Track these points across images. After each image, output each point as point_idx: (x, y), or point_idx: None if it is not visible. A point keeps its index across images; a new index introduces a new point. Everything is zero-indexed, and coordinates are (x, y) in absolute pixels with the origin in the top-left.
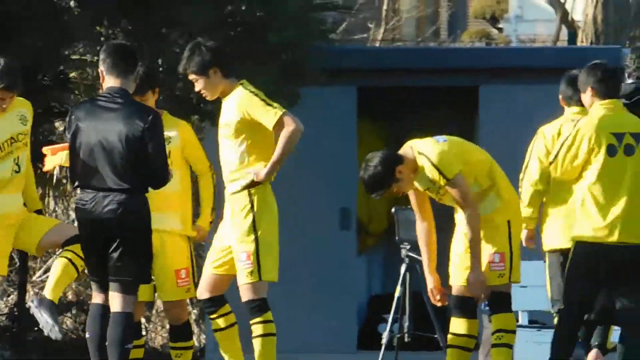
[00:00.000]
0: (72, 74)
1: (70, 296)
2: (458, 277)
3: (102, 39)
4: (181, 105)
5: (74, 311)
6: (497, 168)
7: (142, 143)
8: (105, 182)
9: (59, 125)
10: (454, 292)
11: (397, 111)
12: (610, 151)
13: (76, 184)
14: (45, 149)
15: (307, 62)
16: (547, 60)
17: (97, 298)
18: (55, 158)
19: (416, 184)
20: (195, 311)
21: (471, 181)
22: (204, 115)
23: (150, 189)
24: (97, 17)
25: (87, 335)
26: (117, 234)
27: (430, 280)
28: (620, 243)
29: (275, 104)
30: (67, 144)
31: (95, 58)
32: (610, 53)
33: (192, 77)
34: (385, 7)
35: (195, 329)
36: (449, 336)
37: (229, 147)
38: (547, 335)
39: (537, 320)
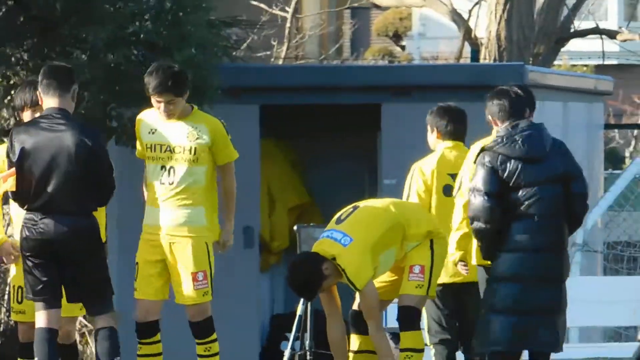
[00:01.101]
0: None
1: None
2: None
3: (10, 58)
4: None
5: None
6: (404, 218)
7: (91, 162)
8: (56, 204)
9: None
10: (354, 307)
11: (300, 129)
12: (446, 191)
13: (26, 206)
14: None
15: (209, 80)
16: (450, 77)
17: (41, 320)
18: (6, 185)
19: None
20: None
21: (387, 251)
22: (111, 133)
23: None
24: (2, 38)
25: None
26: (72, 256)
27: None
28: (456, 282)
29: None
30: (13, 170)
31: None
32: (514, 70)
33: (168, 97)
34: (288, 24)
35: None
36: (349, 354)
37: (187, 171)
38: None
39: None
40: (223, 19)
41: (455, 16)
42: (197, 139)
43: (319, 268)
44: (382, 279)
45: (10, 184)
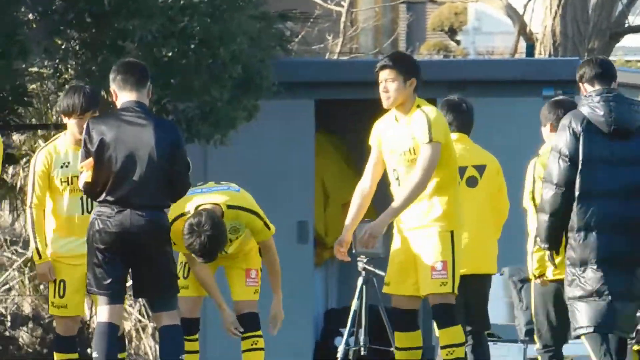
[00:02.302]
0: (32, 87)
1: (27, 310)
2: (397, 288)
3: (61, 51)
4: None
5: (30, 325)
6: (458, 181)
7: (171, 158)
8: (135, 197)
9: (16, 138)
10: (393, 304)
11: (355, 124)
12: None
13: (101, 197)
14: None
15: (262, 75)
16: (505, 72)
17: (103, 315)
18: (86, 175)
19: (393, 135)
20: (151, 324)
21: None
22: None
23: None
24: (54, 30)
25: (94, 355)
26: (146, 250)
27: (345, 235)
28: (467, 273)
29: (270, 224)
30: (92, 160)
31: (51, 71)
32: (568, 65)
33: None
34: (343, 18)
35: (152, 342)
36: (395, 351)
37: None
38: (503, 348)
39: (492, 334)
40: (276, 12)
41: (510, 11)
42: (240, 233)
43: (413, 68)
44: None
45: (86, 175)
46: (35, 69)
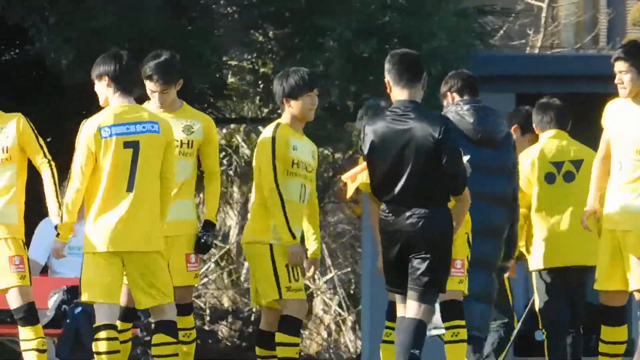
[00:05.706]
0: (231, 80)
1: (226, 304)
2: (607, 284)
3: (257, 46)
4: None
5: (229, 319)
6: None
7: (437, 154)
8: (405, 196)
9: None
10: (601, 300)
11: None
12: (549, 179)
13: (382, 197)
14: (344, 178)
15: (461, 69)
16: None
17: (400, 310)
18: (356, 182)
19: (626, 123)
20: (350, 318)
21: None
22: None
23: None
24: (251, 24)
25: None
26: (417, 247)
27: (593, 205)
28: (569, 266)
29: None
30: (362, 166)
31: (250, 65)
32: None
33: None
34: (544, 14)
35: (352, 335)
36: (599, 343)
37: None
38: None
39: None
40: (477, 6)
41: None
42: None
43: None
44: None
45: (363, 178)
46: (234, 62)
